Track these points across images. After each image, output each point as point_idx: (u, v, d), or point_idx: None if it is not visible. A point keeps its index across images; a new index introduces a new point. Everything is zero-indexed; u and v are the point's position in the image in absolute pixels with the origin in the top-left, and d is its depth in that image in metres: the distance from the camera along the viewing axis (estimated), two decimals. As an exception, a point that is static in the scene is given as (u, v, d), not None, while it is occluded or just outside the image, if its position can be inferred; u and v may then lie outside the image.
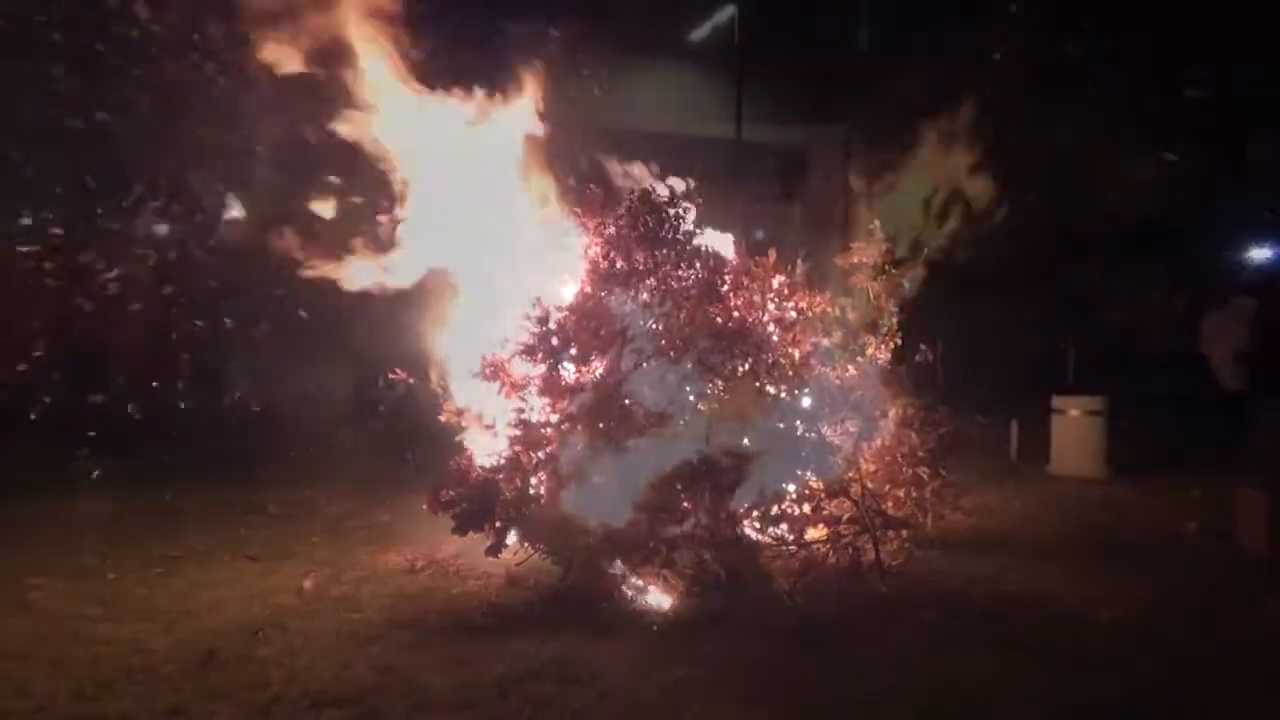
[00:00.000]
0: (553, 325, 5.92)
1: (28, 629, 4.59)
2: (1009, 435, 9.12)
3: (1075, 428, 8.86)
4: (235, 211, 11.61)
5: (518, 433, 5.78)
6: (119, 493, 7.35)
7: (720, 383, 7.05)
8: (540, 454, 5.76)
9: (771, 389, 6.86)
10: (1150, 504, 7.20)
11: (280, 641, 4.42)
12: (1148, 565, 5.57)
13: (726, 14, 15.23)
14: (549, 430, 5.78)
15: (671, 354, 7.25)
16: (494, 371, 5.80)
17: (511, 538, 5.48)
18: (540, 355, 5.80)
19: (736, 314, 6.63)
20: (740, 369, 7.22)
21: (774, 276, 6.90)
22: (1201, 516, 6.65)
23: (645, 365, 7.22)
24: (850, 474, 6.58)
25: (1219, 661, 4.13)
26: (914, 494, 6.53)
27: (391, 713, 3.73)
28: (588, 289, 6.30)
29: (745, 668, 4.06)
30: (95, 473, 7.39)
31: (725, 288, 6.81)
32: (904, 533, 6.06)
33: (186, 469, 7.89)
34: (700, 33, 16.12)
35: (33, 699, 3.83)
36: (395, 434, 6.07)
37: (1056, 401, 9.01)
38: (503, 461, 5.85)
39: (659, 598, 5.05)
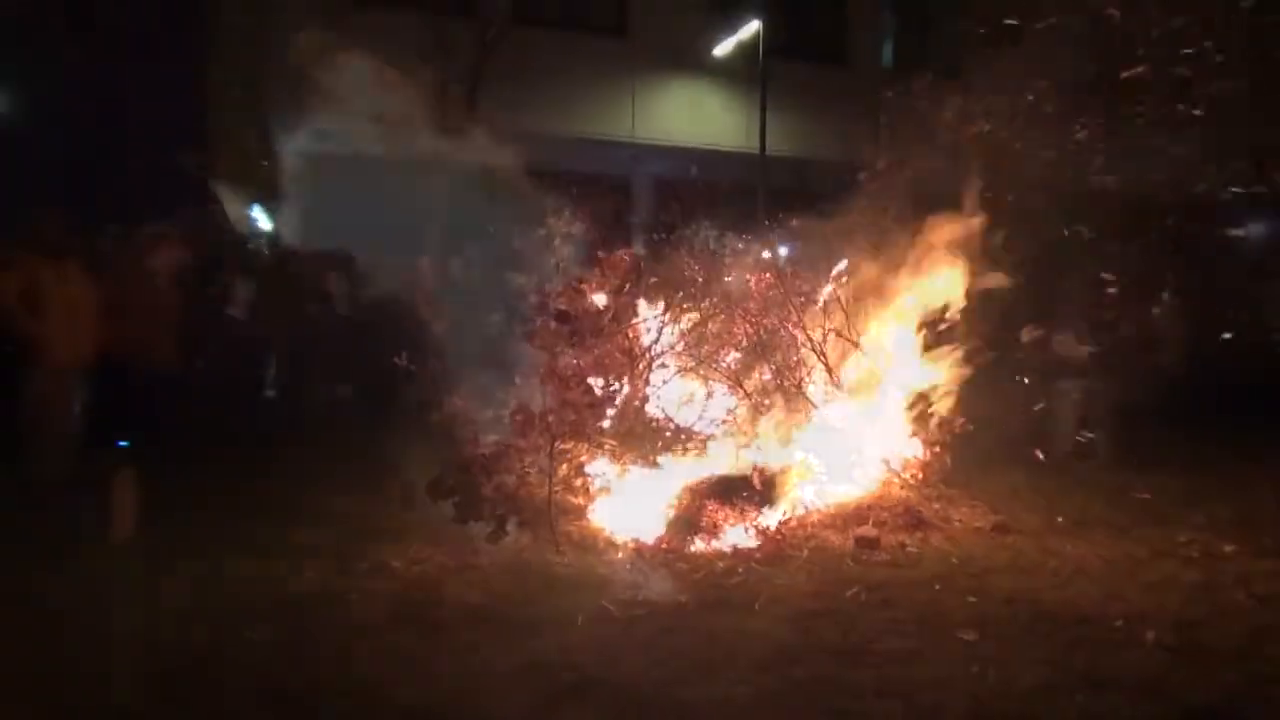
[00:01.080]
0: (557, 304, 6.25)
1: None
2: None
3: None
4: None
5: (518, 419, 5.93)
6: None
7: (749, 399, 7.12)
8: (541, 440, 5.86)
9: (811, 389, 6.93)
10: (1195, 509, 7.04)
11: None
12: (1194, 577, 5.52)
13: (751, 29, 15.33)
14: (551, 419, 5.87)
15: (697, 370, 7.35)
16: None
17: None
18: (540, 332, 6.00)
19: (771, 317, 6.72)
20: (770, 381, 7.29)
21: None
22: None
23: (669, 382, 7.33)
24: (889, 474, 6.64)
25: (1273, 684, 4.08)
26: (948, 493, 6.62)
27: (401, 704, 3.79)
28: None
29: (789, 683, 4.05)
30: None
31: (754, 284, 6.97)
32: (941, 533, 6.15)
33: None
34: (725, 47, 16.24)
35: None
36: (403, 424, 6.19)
37: None
38: (500, 448, 5.98)
39: (676, 595, 5.06)
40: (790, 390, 7.17)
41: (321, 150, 11.20)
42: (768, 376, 7.38)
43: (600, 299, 6.89)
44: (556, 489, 6.15)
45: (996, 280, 7.02)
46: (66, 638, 4.41)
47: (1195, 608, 4.99)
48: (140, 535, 5.86)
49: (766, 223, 7.80)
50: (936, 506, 6.57)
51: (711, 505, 6.16)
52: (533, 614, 4.80)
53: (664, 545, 5.83)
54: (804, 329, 7.18)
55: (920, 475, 6.85)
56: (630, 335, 7.15)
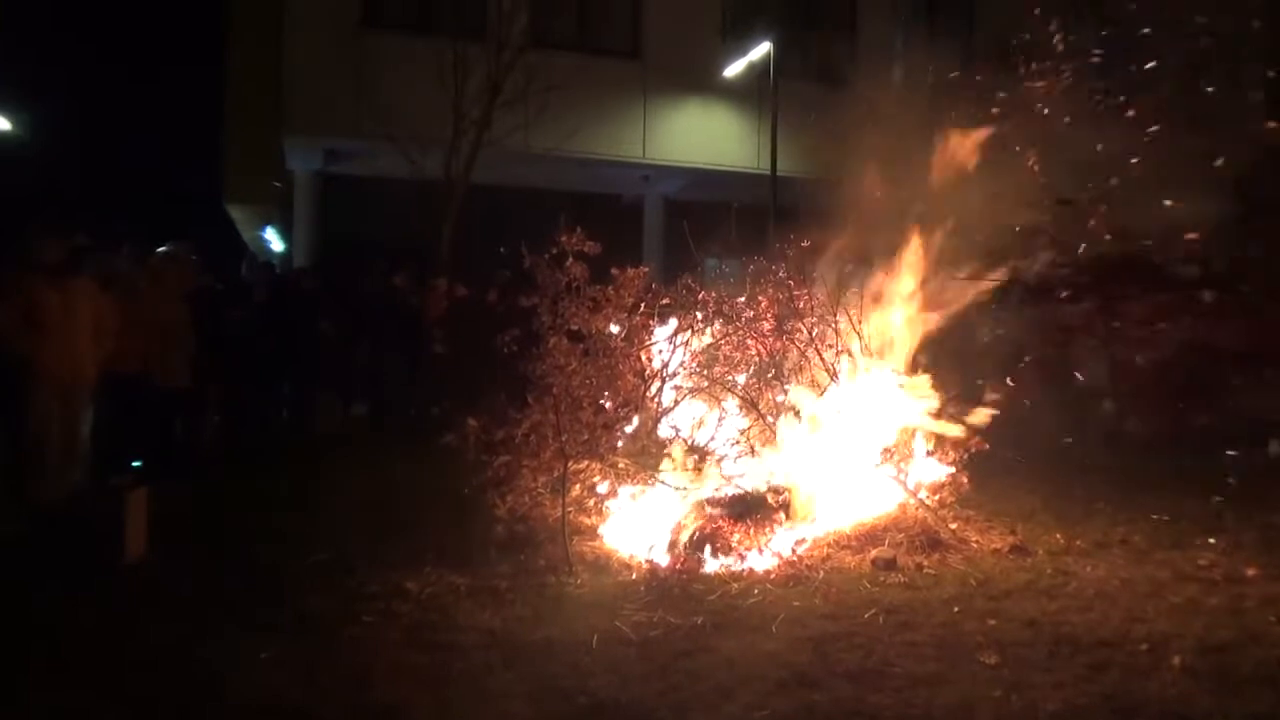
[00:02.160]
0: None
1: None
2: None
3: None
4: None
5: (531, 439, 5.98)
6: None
7: (763, 419, 7.08)
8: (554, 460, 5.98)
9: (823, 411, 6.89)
10: (1217, 531, 6.85)
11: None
12: (1218, 600, 5.40)
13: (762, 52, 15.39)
14: (564, 439, 6.02)
15: (710, 390, 7.32)
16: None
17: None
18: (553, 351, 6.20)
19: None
20: (784, 401, 7.25)
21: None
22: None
23: (683, 401, 7.29)
24: (906, 494, 6.58)
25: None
26: (965, 513, 6.55)
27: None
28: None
29: (807, 707, 3.97)
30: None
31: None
32: (959, 554, 6.09)
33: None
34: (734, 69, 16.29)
35: None
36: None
37: None
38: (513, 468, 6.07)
39: (691, 617, 4.99)
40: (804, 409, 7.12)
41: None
42: (781, 398, 7.34)
43: (614, 320, 6.88)
44: (569, 509, 6.11)
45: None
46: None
47: (1221, 631, 4.88)
48: (148, 559, 5.83)
49: (778, 244, 7.74)
50: (954, 527, 6.49)
51: (726, 526, 6.10)
52: (546, 636, 4.74)
53: (678, 566, 5.77)
54: (817, 349, 7.13)
55: (937, 495, 6.77)
56: (644, 355, 7.13)
